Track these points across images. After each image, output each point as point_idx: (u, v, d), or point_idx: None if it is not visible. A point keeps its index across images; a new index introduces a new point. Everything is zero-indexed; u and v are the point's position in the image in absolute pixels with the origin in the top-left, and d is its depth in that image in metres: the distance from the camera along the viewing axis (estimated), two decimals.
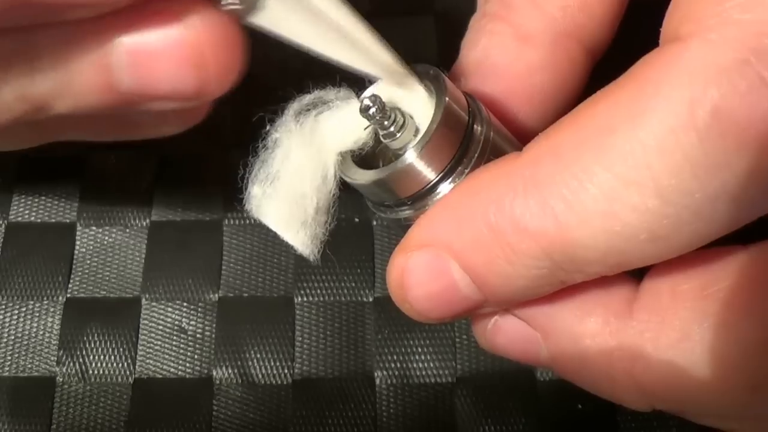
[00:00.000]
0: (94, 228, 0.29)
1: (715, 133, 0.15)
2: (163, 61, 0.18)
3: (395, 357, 0.27)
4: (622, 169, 0.16)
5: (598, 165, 0.16)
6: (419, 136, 0.19)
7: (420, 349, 0.27)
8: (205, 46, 0.18)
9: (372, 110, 0.18)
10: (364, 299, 0.28)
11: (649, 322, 0.18)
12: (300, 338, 0.27)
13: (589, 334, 0.18)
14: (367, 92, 0.20)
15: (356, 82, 0.20)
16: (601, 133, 0.16)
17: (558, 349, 0.19)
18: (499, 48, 0.22)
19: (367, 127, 0.19)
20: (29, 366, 0.27)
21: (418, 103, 0.19)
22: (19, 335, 0.27)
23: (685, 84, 0.15)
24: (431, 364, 0.27)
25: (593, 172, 0.16)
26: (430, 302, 0.19)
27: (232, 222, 0.29)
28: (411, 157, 0.18)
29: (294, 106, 0.19)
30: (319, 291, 0.28)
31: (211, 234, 0.29)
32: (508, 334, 0.20)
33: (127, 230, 0.29)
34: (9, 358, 0.27)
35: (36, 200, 0.29)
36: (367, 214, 0.29)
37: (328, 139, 0.19)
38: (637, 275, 0.19)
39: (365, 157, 0.20)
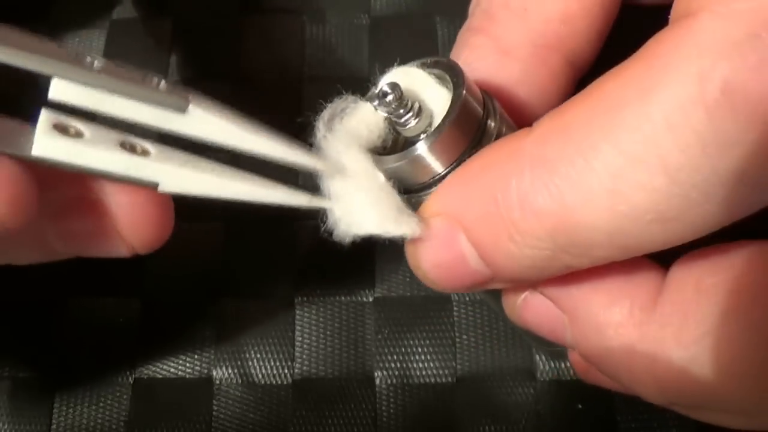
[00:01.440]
0: None
1: (725, 109, 0.15)
2: (91, 245, 0.20)
3: (395, 357, 0.27)
4: (629, 146, 0.15)
5: (605, 142, 0.16)
6: (434, 124, 0.19)
7: (420, 349, 0.27)
8: (127, 226, 0.19)
9: (389, 97, 0.19)
10: (364, 299, 0.28)
11: (672, 316, 0.17)
12: (300, 338, 0.27)
13: (613, 323, 0.18)
14: (385, 79, 0.20)
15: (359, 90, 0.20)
16: (610, 109, 0.16)
17: (582, 335, 0.19)
18: (479, 61, 0.21)
19: (387, 117, 0.19)
20: (30, 366, 0.27)
21: (432, 93, 0.19)
22: (20, 335, 0.27)
23: (695, 58, 0.15)
24: (431, 364, 0.27)
25: (600, 149, 0.16)
26: (440, 271, 0.19)
27: (231, 223, 0.29)
28: (425, 144, 0.18)
29: (320, 121, 0.19)
30: (319, 291, 0.28)
31: (210, 234, 0.29)
32: (536, 312, 0.20)
33: None
34: (9, 358, 0.27)
35: None
36: None
37: (357, 140, 0.19)
38: (664, 263, 0.19)
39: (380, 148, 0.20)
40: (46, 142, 0.17)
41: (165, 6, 0.33)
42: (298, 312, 0.28)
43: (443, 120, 0.18)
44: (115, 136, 0.18)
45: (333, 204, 0.19)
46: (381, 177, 0.19)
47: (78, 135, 0.18)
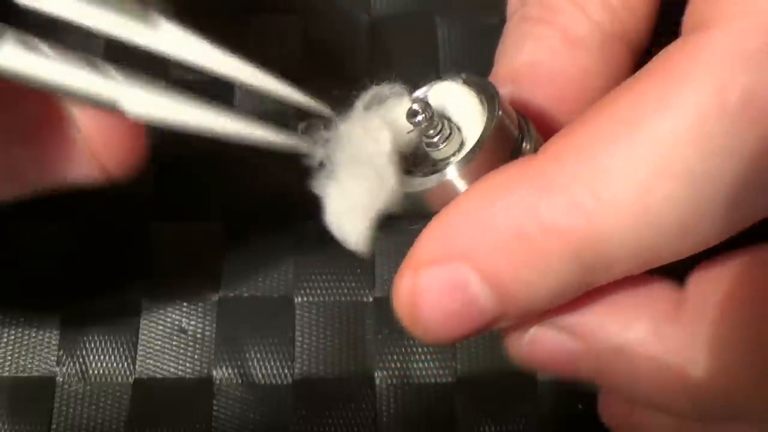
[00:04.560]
0: (93, 229, 0.29)
1: (747, 119, 0.15)
2: (64, 168, 0.19)
3: (395, 357, 0.27)
4: (653, 158, 0.15)
5: (627, 154, 0.15)
6: (465, 149, 0.18)
7: (420, 349, 0.27)
8: (98, 144, 0.19)
9: (419, 117, 0.18)
10: (364, 299, 0.28)
11: (700, 326, 0.17)
12: (300, 338, 0.27)
13: (636, 341, 0.17)
14: (419, 93, 0.19)
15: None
16: (630, 124, 0.16)
17: (602, 360, 0.18)
18: (548, 52, 0.21)
19: (411, 131, 0.18)
20: (29, 366, 0.27)
21: (468, 115, 0.19)
22: (19, 335, 0.27)
23: (713, 70, 0.15)
24: (431, 364, 0.27)
25: (623, 162, 0.15)
26: (446, 322, 0.17)
27: (232, 223, 0.29)
28: (456, 170, 0.18)
29: (359, 105, 0.18)
30: (319, 291, 0.28)
31: (210, 234, 0.29)
32: (547, 348, 0.19)
33: (127, 231, 0.29)
34: (9, 358, 0.27)
35: (33, 204, 0.29)
36: None
37: (383, 138, 0.18)
38: (679, 277, 0.18)
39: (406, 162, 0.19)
40: (8, 52, 0.17)
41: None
42: (298, 312, 0.28)
43: (476, 144, 0.18)
44: (81, 58, 0.17)
45: (320, 154, 0.18)
46: (392, 179, 0.18)
47: (43, 53, 0.17)
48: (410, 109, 0.18)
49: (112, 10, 0.17)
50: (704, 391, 0.17)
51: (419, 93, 0.19)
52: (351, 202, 0.18)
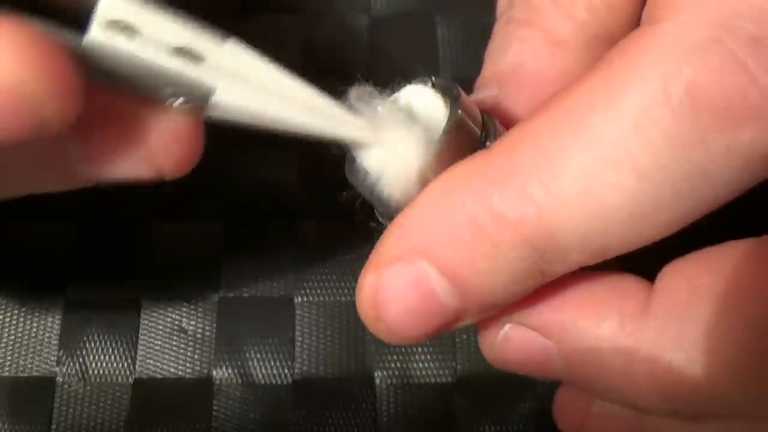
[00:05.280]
0: (94, 229, 0.29)
1: (689, 110, 0.15)
2: (117, 164, 0.19)
3: (395, 357, 0.27)
4: (598, 148, 0.16)
5: (574, 146, 0.16)
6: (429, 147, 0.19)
7: (420, 349, 0.27)
8: (157, 143, 0.18)
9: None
10: None
11: (668, 320, 0.17)
12: (300, 338, 0.27)
13: (605, 337, 0.18)
14: (391, 99, 0.20)
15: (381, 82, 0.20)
16: (576, 115, 0.16)
17: (574, 357, 0.18)
18: (531, 54, 0.21)
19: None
20: (29, 366, 0.27)
21: (434, 117, 0.19)
22: (19, 335, 0.27)
23: (659, 62, 0.15)
24: (431, 364, 0.27)
25: (570, 153, 0.16)
26: (406, 318, 0.18)
27: (232, 223, 0.29)
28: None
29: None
30: (319, 291, 0.28)
31: (210, 234, 0.29)
32: (519, 345, 0.19)
33: (127, 231, 0.29)
34: (9, 358, 0.27)
35: (34, 203, 0.29)
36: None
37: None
38: (649, 276, 0.18)
39: None
40: (97, 32, 0.16)
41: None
42: (298, 312, 0.28)
43: (437, 140, 0.18)
44: (171, 38, 0.17)
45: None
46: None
47: (133, 33, 0.17)
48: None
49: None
50: (673, 384, 0.17)
51: (393, 95, 0.20)
52: (397, 152, 0.18)
